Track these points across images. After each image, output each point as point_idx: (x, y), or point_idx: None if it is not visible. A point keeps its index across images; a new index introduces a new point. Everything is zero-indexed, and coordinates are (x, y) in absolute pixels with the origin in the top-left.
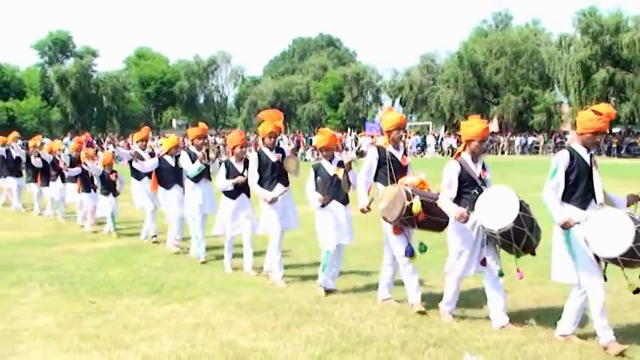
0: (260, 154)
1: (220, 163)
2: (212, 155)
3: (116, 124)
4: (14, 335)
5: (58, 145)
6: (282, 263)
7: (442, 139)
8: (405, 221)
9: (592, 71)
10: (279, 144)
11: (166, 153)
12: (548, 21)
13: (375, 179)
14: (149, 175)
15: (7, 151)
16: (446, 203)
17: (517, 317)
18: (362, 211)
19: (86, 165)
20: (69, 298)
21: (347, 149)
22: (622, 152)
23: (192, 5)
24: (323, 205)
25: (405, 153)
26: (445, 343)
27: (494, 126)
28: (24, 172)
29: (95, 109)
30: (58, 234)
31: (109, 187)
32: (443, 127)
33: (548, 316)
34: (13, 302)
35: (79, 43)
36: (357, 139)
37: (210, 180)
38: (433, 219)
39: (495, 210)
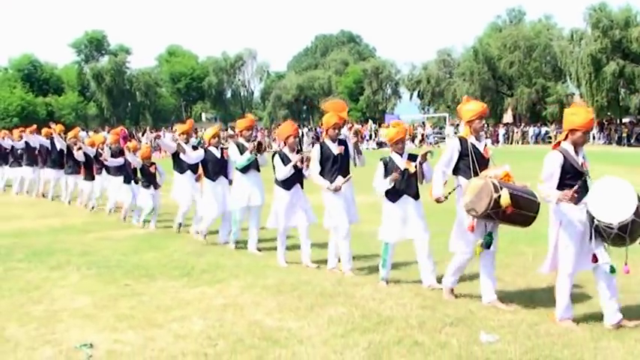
0: (322, 146)
1: (273, 155)
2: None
3: (149, 118)
4: (54, 315)
5: (100, 139)
6: (351, 255)
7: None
8: (492, 215)
9: (602, 64)
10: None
11: (209, 144)
12: (559, 16)
13: (456, 172)
14: (193, 169)
15: (52, 143)
16: (546, 191)
17: (530, 298)
18: (437, 200)
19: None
20: (105, 281)
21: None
22: (632, 141)
23: (220, 4)
24: (394, 200)
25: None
26: (461, 323)
27: (508, 117)
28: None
29: (129, 104)
30: (95, 221)
31: (150, 179)
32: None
33: None
34: (53, 285)
35: (113, 41)
36: (376, 130)
37: (259, 171)
38: (521, 212)
39: (610, 202)
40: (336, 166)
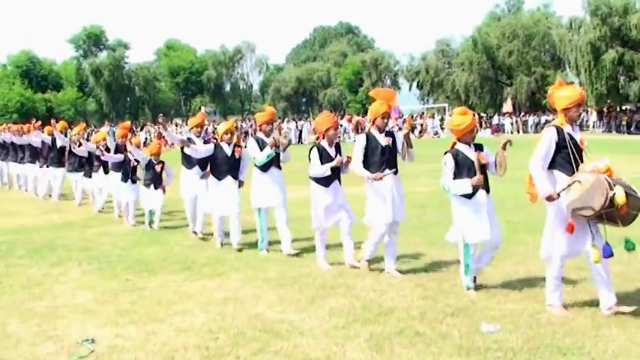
0: (369, 137)
1: (311, 148)
2: (283, 141)
3: (148, 113)
4: (56, 311)
5: (102, 136)
6: (395, 254)
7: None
8: (603, 215)
9: (601, 52)
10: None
11: (221, 139)
12: (558, 4)
13: (551, 166)
14: (202, 164)
15: (53, 140)
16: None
17: (531, 287)
18: (550, 198)
19: (130, 152)
20: (106, 276)
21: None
22: (631, 129)
23: None
24: (470, 197)
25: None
26: (462, 313)
27: (507, 106)
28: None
29: (128, 99)
30: (95, 217)
31: (153, 178)
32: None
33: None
34: (55, 281)
35: (111, 36)
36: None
37: (280, 168)
38: (629, 212)
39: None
40: (383, 158)
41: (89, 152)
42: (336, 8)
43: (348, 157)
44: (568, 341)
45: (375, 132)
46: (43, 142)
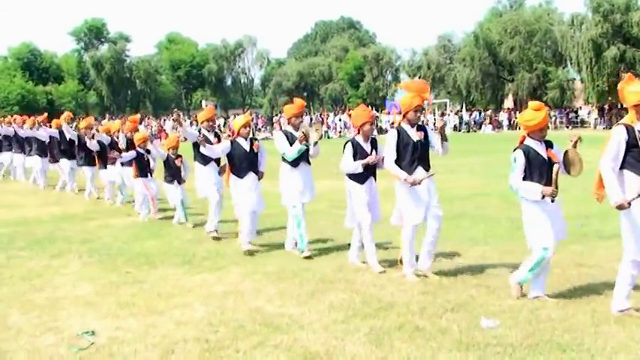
0: (400, 132)
1: (346, 143)
2: (313, 135)
3: (149, 106)
4: (56, 303)
5: (117, 126)
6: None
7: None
8: None
9: (603, 49)
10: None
11: (238, 134)
12: (560, 1)
13: (621, 165)
14: (217, 159)
15: (61, 133)
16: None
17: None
18: (621, 207)
19: (140, 148)
20: (106, 269)
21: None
22: None
23: None
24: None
25: None
26: (462, 308)
27: (509, 102)
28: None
29: (129, 92)
30: (96, 209)
31: (174, 173)
32: (459, 104)
33: (561, 283)
34: (55, 273)
35: (112, 29)
36: (377, 117)
37: (310, 164)
38: None
39: None
40: (415, 154)
41: (102, 144)
42: (337, 3)
43: (376, 160)
44: (567, 337)
45: (406, 126)
46: (51, 136)
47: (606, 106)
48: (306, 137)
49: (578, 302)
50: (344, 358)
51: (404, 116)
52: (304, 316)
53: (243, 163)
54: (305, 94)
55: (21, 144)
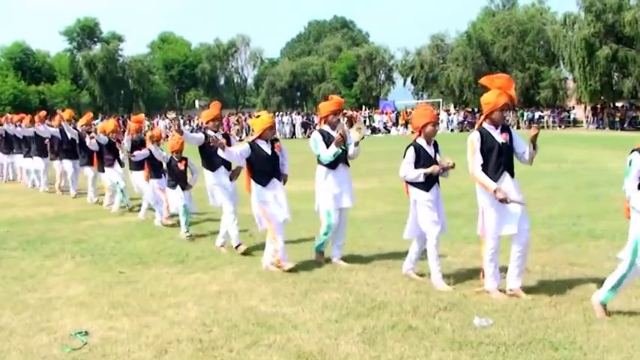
0: (483, 134)
1: (408, 147)
2: (355, 135)
3: (142, 106)
4: (49, 303)
5: (111, 126)
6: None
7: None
8: None
9: (595, 48)
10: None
11: (259, 137)
12: (552, 0)
13: None
14: (226, 163)
15: (62, 132)
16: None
17: (525, 282)
18: None
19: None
20: (99, 269)
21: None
22: (625, 125)
23: None
24: None
25: None
26: (455, 307)
27: None
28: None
29: (122, 92)
30: (88, 209)
31: (177, 178)
32: (452, 104)
33: (554, 281)
34: (48, 273)
35: (105, 29)
36: (370, 116)
37: (349, 166)
38: None
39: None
40: (500, 159)
41: (101, 145)
42: (330, 2)
43: (451, 162)
44: (560, 336)
45: (489, 127)
46: (52, 135)
47: (598, 106)
48: (343, 139)
49: (570, 301)
50: (337, 357)
51: (486, 116)
52: (298, 316)
53: (266, 168)
54: (298, 93)
55: (18, 144)
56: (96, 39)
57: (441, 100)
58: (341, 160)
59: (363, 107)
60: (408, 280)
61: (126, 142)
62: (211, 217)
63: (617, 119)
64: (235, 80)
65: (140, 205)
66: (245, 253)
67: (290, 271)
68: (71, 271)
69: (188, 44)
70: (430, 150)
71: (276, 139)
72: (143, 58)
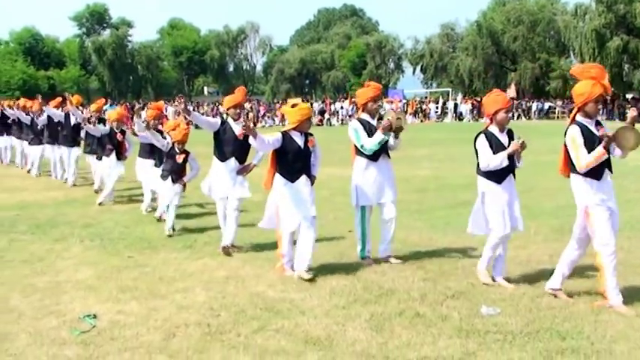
0: (581, 127)
1: (478, 136)
2: (396, 122)
3: (150, 92)
4: (58, 287)
5: (114, 115)
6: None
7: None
8: None
9: (606, 39)
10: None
11: (293, 128)
12: None
13: None
14: (239, 157)
15: (67, 117)
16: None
17: (531, 272)
18: None
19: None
20: (108, 253)
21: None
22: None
23: None
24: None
25: None
26: (462, 296)
27: (511, 92)
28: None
29: (131, 78)
30: (97, 194)
31: (173, 169)
32: (460, 94)
33: None
34: (57, 257)
35: (114, 14)
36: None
37: (389, 157)
38: None
39: None
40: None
41: (102, 133)
42: None
43: (522, 141)
44: (567, 325)
45: (584, 121)
46: (52, 118)
47: (609, 97)
48: (391, 125)
49: (578, 291)
50: (345, 343)
51: (580, 109)
52: (305, 302)
53: (297, 162)
54: (307, 81)
55: (27, 130)
56: (105, 24)
57: (450, 89)
58: (383, 150)
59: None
60: (416, 268)
61: (136, 125)
62: None
63: (628, 111)
64: (244, 67)
65: (142, 196)
66: (228, 254)
67: (310, 280)
68: (80, 254)
69: (197, 31)
70: (503, 138)
71: (311, 134)
72: (152, 44)
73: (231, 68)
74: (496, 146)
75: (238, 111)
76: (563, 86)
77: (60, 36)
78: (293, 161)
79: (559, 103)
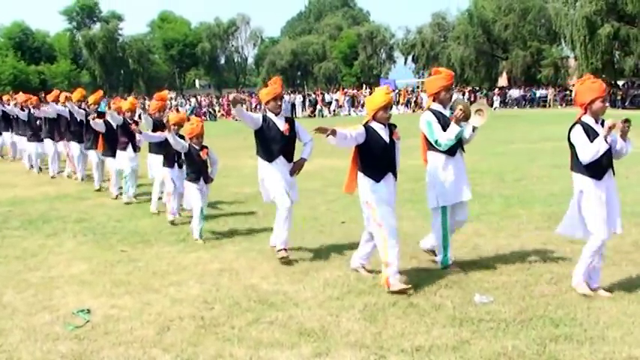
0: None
1: (573, 126)
2: (476, 118)
3: (142, 85)
4: (51, 282)
5: (128, 105)
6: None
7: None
8: None
9: (597, 26)
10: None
11: (373, 118)
12: None
13: None
14: (286, 154)
15: (71, 112)
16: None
17: (524, 260)
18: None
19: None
20: (101, 248)
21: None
22: (626, 104)
23: None
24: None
25: None
26: (456, 285)
27: (503, 80)
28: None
29: (122, 72)
30: (90, 189)
31: (199, 169)
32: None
33: (554, 259)
34: (50, 252)
35: (105, 8)
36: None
37: (464, 151)
38: None
39: None
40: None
41: (109, 125)
42: None
43: (625, 119)
44: (560, 313)
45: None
46: (59, 115)
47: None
48: (465, 115)
49: (571, 278)
50: (339, 333)
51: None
52: (299, 293)
53: (381, 159)
54: (299, 72)
55: (25, 127)
56: (95, 18)
57: None
58: (459, 145)
59: (364, 86)
60: (409, 259)
61: (144, 121)
62: (220, 199)
63: (619, 98)
64: (236, 59)
65: (149, 194)
66: (288, 263)
67: (400, 292)
68: (73, 250)
69: (188, 23)
70: (599, 129)
71: (395, 126)
72: (143, 37)
73: (222, 61)
74: (593, 139)
75: (279, 103)
76: (554, 74)
77: (50, 30)
78: (379, 158)
79: (550, 90)
